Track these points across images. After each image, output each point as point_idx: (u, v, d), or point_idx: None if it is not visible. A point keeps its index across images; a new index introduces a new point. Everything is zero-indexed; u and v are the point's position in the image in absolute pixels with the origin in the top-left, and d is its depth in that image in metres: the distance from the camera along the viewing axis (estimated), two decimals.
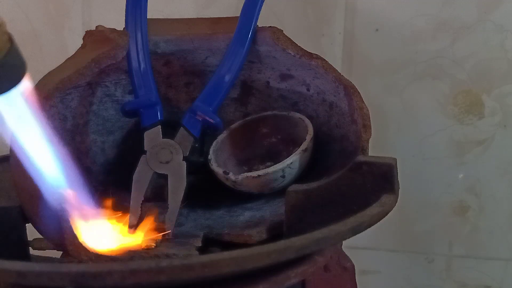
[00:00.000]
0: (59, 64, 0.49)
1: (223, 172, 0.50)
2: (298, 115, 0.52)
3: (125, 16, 0.53)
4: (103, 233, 0.45)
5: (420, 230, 0.70)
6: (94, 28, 0.52)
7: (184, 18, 0.56)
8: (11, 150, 0.44)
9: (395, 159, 0.42)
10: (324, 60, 0.50)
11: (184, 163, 0.50)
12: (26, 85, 0.36)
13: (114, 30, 0.51)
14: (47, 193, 0.40)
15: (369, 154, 0.46)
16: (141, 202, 0.49)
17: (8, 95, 0.35)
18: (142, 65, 0.51)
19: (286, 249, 0.34)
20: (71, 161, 0.41)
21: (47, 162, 0.39)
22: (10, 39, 0.35)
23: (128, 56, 0.51)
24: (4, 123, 0.37)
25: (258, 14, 0.52)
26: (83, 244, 0.41)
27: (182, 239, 0.47)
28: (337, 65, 0.65)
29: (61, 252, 0.47)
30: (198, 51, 0.54)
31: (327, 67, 0.50)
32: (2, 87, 0.35)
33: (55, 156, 0.39)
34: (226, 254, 0.32)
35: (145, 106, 0.51)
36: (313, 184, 0.44)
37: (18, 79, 0.35)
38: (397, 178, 0.42)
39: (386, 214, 0.40)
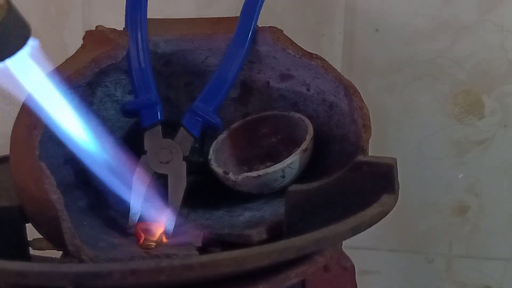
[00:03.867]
0: (59, 64, 0.49)
1: (223, 172, 0.50)
2: (298, 115, 0.52)
3: (125, 16, 0.53)
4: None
5: (420, 230, 0.70)
6: (94, 28, 0.52)
7: (184, 18, 0.56)
8: (12, 149, 0.44)
9: (395, 159, 0.42)
10: (324, 60, 0.50)
11: (184, 163, 0.50)
12: (33, 46, 0.36)
13: (114, 30, 0.51)
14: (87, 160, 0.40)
15: (369, 154, 0.46)
16: (141, 202, 0.49)
17: (15, 57, 0.35)
18: (142, 65, 0.51)
19: (286, 249, 0.34)
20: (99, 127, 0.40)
21: (75, 126, 0.39)
22: (8, 2, 0.34)
23: (128, 56, 0.51)
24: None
25: (258, 14, 0.52)
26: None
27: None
28: (337, 65, 0.65)
29: (61, 252, 0.48)
30: (198, 51, 0.54)
31: (327, 67, 0.50)
32: (6, 49, 0.35)
33: (81, 120, 0.39)
34: (226, 254, 0.32)
35: (145, 106, 0.51)
36: (313, 184, 0.44)
37: (21, 41, 0.35)
38: (397, 178, 0.42)
39: (386, 214, 0.40)
